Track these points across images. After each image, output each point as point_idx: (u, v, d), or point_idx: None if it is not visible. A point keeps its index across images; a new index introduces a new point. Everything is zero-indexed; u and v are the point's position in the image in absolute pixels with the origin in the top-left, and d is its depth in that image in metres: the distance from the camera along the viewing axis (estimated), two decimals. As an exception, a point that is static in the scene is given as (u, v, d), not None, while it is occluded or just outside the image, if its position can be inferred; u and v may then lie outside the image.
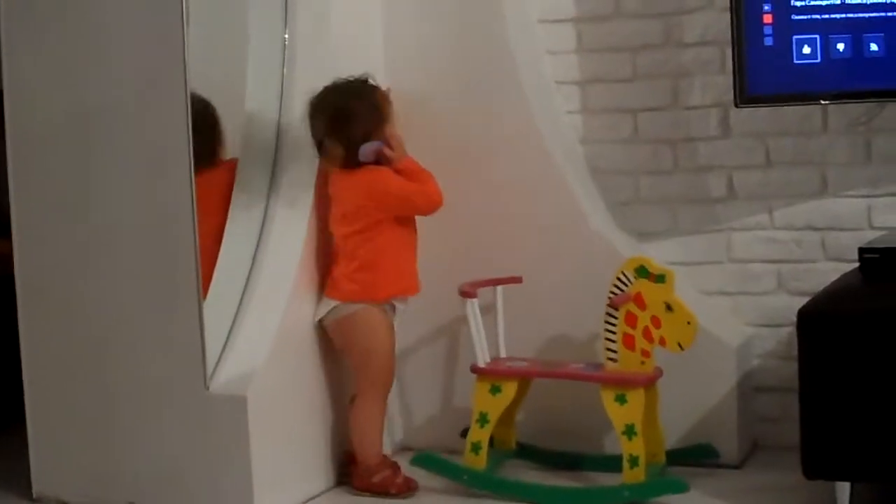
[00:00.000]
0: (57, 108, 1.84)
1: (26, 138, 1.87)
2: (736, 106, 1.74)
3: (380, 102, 1.68)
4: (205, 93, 1.88)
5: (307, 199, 2.00)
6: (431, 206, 1.64)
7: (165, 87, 1.75)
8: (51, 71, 1.83)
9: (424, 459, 1.82)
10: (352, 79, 1.67)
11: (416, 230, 1.71)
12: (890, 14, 1.72)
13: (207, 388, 1.66)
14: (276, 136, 1.97)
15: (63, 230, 1.86)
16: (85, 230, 1.83)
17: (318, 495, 1.81)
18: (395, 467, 1.69)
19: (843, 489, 1.55)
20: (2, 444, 2.20)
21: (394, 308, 1.70)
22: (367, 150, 1.62)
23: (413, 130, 1.97)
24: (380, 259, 1.66)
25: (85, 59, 1.79)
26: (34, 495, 1.83)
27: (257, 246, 1.93)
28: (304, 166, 1.97)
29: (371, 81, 1.69)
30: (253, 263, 1.90)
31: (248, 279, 1.88)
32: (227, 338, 1.80)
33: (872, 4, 1.72)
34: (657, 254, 1.76)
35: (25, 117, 1.87)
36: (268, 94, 1.97)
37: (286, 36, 1.91)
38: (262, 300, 1.86)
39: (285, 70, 1.93)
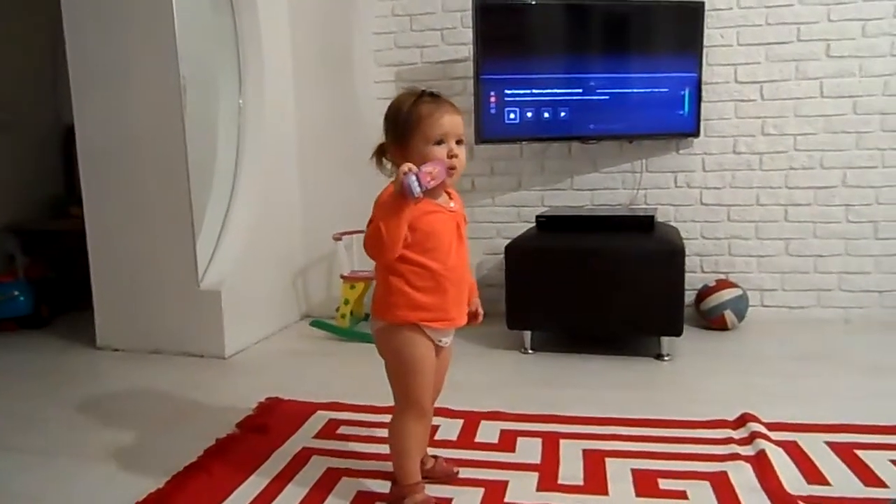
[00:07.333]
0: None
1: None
2: (476, 144, 2.47)
3: (396, 115, 1.20)
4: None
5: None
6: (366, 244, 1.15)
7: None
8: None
9: (316, 323, 2.63)
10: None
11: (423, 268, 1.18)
12: (553, 98, 2.42)
13: (199, 286, 2.30)
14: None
15: (115, 190, 2.32)
16: (124, 189, 2.31)
17: (263, 339, 2.50)
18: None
19: (527, 334, 2.21)
20: (78, 317, 2.80)
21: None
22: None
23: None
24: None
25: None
26: (97, 345, 2.44)
27: (232, 187, 2.50)
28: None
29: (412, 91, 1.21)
30: (230, 201, 2.51)
31: (226, 212, 2.50)
32: (212, 255, 2.45)
33: (546, 93, 2.41)
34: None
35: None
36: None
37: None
38: (236, 227, 2.48)
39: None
